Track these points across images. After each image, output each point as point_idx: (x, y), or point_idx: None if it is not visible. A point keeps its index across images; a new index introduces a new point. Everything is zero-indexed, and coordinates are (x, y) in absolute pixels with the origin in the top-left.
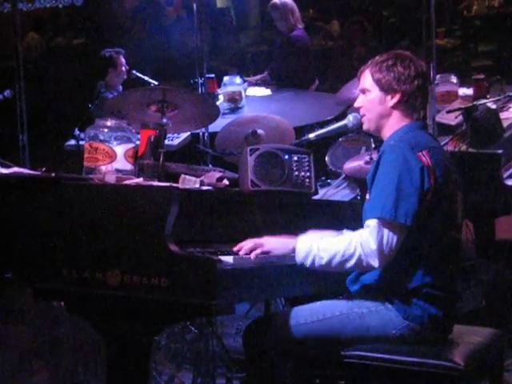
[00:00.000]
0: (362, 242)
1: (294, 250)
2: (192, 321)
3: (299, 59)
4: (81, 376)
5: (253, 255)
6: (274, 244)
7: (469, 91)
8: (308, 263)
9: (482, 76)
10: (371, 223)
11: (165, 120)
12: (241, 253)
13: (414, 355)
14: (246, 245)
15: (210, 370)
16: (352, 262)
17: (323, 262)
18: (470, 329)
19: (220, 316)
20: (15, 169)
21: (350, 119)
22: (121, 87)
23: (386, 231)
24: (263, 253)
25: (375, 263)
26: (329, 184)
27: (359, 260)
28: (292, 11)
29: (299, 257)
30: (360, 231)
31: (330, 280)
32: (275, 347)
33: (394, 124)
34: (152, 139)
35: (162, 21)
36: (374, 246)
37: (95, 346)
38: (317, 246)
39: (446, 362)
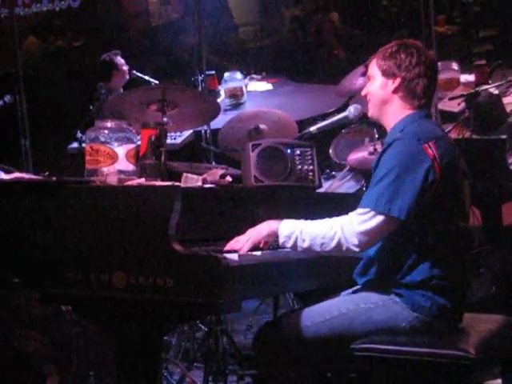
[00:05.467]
0: (344, 226)
1: (275, 233)
2: (200, 319)
3: None
4: (91, 379)
5: (242, 252)
6: (257, 232)
7: (470, 77)
8: (289, 245)
9: (483, 62)
10: (362, 211)
11: (165, 119)
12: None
13: (425, 346)
14: (233, 244)
15: (221, 368)
16: (332, 245)
17: (304, 244)
18: (481, 316)
19: (228, 314)
20: (16, 174)
21: (350, 110)
22: (121, 89)
23: (374, 222)
24: (254, 244)
25: (355, 248)
26: (333, 176)
27: (339, 243)
28: None
29: (281, 238)
30: (346, 216)
31: (338, 273)
32: (285, 352)
33: (396, 112)
34: (153, 139)
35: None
36: (357, 230)
37: (105, 349)
38: (300, 228)
39: (458, 351)
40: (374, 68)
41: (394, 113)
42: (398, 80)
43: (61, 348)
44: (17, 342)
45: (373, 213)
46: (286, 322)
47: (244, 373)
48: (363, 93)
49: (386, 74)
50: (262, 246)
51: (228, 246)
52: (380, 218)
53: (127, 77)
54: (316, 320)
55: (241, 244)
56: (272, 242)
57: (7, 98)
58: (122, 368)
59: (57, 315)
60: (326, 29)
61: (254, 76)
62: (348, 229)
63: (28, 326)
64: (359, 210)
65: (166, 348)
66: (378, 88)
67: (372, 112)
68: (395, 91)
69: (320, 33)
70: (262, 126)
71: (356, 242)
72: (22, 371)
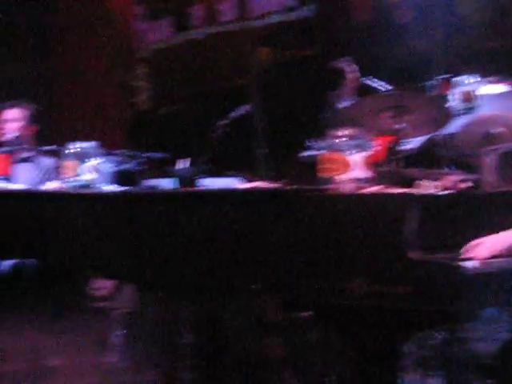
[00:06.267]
0: None
1: None
2: (438, 327)
3: None
4: None
5: (481, 258)
6: (500, 239)
7: None
8: None
9: None
10: None
11: (400, 125)
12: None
13: None
14: (473, 251)
15: (459, 376)
16: None
17: None
18: None
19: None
20: (256, 183)
21: None
22: (351, 97)
23: None
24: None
25: None
26: None
27: None
28: None
29: None
30: None
31: None
32: None
33: None
34: (388, 146)
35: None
36: None
37: (343, 355)
38: None
39: None
40: None
41: None
42: None
43: (300, 354)
44: (258, 348)
45: None
46: None
47: (483, 382)
48: None
49: None
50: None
51: (468, 251)
52: None
53: (357, 84)
54: None
55: (481, 250)
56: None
57: (243, 109)
58: (360, 374)
59: (296, 321)
60: None
61: (487, 78)
62: None
63: (268, 332)
64: None
65: (402, 355)
66: None
67: None
68: None
69: None
70: (499, 130)
71: None
72: (262, 376)
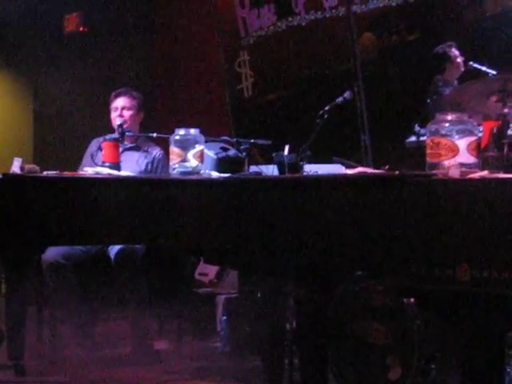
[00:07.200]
0: None
1: None
2: None
3: None
4: (433, 373)
5: None
6: None
7: None
8: None
9: None
10: None
11: (506, 110)
12: None
13: None
14: None
15: None
16: None
17: None
18: None
19: None
20: (360, 169)
21: None
22: (456, 81)
23: None
24: None
25: None
26: None
27: None
28: None
29: None
30: None
31: None
32: None
33: None
34: (495, 130)
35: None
36: None
37: (446, 342)
38: None
39: None
40: None
41: None
42: None
43: (403, 340)
44: (360, 333)
45: None
46: None
47: None
48: None
49: None
50: None
51: None
52: None
53: (462, 69)
54: None
55: None
56: None
57: (347, 95)
58: (466, 362)
59: (398, 307)
60: None
61: None
62: None
63: (371, 318)
64: None
65: (509, 343)
66: None
67: None
68: None
69: None
70: None
71: None
72: (365, 362)
